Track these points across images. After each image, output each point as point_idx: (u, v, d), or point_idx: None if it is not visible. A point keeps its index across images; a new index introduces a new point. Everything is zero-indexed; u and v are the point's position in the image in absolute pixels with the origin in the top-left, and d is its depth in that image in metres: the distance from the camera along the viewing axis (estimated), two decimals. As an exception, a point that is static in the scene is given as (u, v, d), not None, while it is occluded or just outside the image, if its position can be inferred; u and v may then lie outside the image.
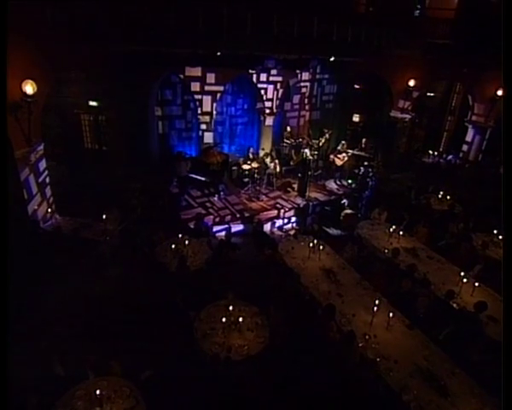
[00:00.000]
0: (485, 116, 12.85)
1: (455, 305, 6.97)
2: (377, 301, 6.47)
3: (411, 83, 12.68)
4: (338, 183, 12.39)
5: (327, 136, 12.94)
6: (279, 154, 12.80)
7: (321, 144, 13.26)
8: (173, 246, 7.80)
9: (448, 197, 10.97)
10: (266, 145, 12.73)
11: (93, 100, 11.72)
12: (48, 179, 8.80)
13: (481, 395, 5.29)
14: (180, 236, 8.02)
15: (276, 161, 12.27)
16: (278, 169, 12.31)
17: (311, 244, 8.08)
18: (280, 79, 12.08)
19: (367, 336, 6.08)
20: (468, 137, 13.57)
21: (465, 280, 7.26)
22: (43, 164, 8.54)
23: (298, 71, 12.77)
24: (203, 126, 11.91)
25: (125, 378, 5.04)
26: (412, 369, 5.63)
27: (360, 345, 5.91)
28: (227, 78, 11.40)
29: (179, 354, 5.80)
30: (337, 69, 12.85)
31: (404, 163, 13.79)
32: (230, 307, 6.19)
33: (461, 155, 13.99)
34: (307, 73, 13.14)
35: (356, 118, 15.71)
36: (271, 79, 11.95)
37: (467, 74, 12.27)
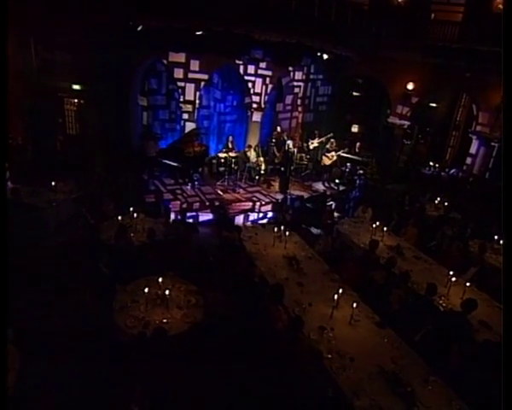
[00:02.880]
0: (490, 126, 11.83)
1: (441, 307, 5.79)
2: (340, 291, 5.36)
3: (410, 86, 11.93)
4: (326, 185, 11.42)
5: (323, 139, 12.17)
6: (265, 152, 12.02)
7: (312, 147, 12.51)
8: (120, 218, 6.91)
9: (446, 204, 9.82)
10: (253, 142, 11.97)
11: (76, 83, 11.39)
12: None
13: (463, 408, 4.03)
14: (131, 209, 7.13)
15: (261, 159, 11.49)
16: (264, 167, 11.51)
17: (275, 229, 7.05)
18: (269, 73, 11.49)
19: (325, 331, 4.93)
20: (473, 150, 12.50)
21: (454, 279, 6.09)
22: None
23: (290, 69, 12.23)
24: (185, 116, 11.27)
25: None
26: (374, 371, 4.41)
27: (312, 337, 4.76)
28: (212, 66, 10.87)
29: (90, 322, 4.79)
30: (331, 69, 12.26)
31: (401, 173, 12.75)
32: (160, 279, 5.18)
33: (464, 168, 12.87)
34: (300, 73, 12.59)
35: (355, 128, 14.98)
36: (260, 72, 11.37)
37: (470, 79, 11.43)
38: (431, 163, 13.44)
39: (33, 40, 10.84)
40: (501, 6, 12.13)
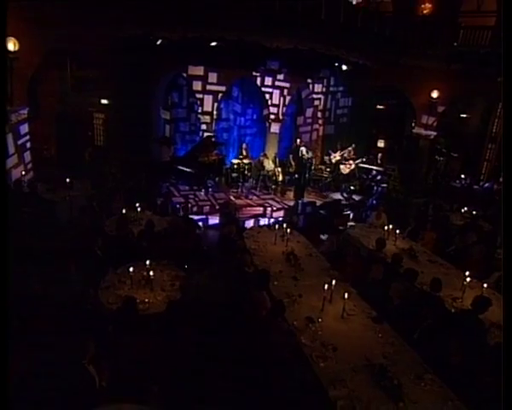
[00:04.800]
0: (528, 134, 10.90)
1: (452, 309, 5.18)
2: (333, 282, 4.98)
3: (434, 94, 11.43)
4: (345, 195, 11.00)
5: (345, 152, 11.88)
6: (283, 163, 11.93)
7: (334, 161, 12.24)
8: (124, 211, 7.07)
9: (474, 213, 9.01)
10: (271, 153, 11.97)
11: (104, 98, 12.21)
12: (29, 145, 8.90)
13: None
14: (137, 205, 7.28)
15: (279, 169, 11.43)
16: (281, 178, 11.42)
17: (276, 226, 6.82)
18: (287, 85, 11.60)
19: (313, 322, 4.56)
20: (509, 160, 11.51)
21: (468, 279, 5.45)
22: (25, 128, 8.78)
23: (309, 81, 12.27)
24: (203, 127, 11.61)
25: None
26: (359, 364, 3.97)
27: (296, 326, 4.41)
28: (229, 78, 11.21)
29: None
30: (351, 80, 12.13)
31: (428, 186, 12.00)
32: (147, 262, 5.16)
33: (501, 180, 11.82)
34: (320, 85, 12.57)
35: (381, 143, 14.55)
36: (277, 83, 11.51)
37: (500, 84, 10.69)
38: (462, 176, 12.55)
39: (69, 60, 11.92)
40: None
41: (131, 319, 3.98)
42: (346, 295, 4.69)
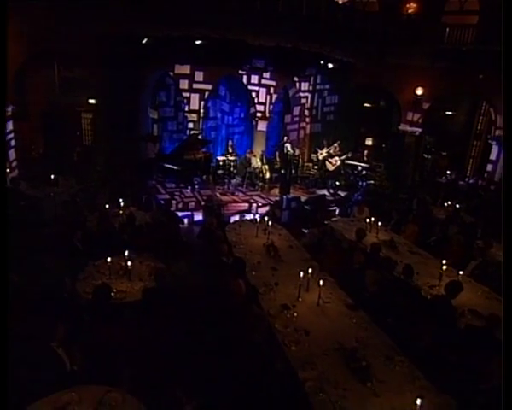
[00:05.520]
0: (510, 129, 11.05)
1: (429, 296, 5.24)
2: (310, 270, 5.03)
3: (419, 91, 11.58)
4: (331, 191, 11.08)
5: (331, 150, 11.97)
6: (270, 161, 12.00)
7: (321, 158, 12.33)
8: (107, 206, 7.08)
9: (457, 206, 9.12)
10: (258, 151, 12.03)
11: (92, 98, 12.22)
12: (13, 143, 8.89)
13: (427, 388, 3.51)
14: (121, 200, 7.30)
15: (266, 166, 11.49)
16: (268, 175, 11.48)
17: (258, 219, 6.87)
18: (273, 83, 11.70)
19: (289, 310, 4.60)
20: (493, 156, 11.68)
21: (444, 267, 5.52)
22: (9, 126, 8.70)
23: (296, 79, 12.37)
24: (190, 125, 11.65)
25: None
26: (331, 347, 4.00)
27: (270, 313, 4.45)
28: (215, 76, 11.28)
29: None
30: (337, 78, 12.25)
31: (414, 183, 12.13)
32: (126, 253, 5.17)
33: (485, 175, 11.99)
34: (307, 83, 12.68)
35: (369, 141, 14.68)
36: (263, 81, 11.61)
37: (484, 81, 10.88)
38: (448, 172, 12.70)
39: (56, 61, 11.93)
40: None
41: (104, 306, 3.98)
42: (321, 282, 4.73)
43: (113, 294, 4.58)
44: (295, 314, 4.51)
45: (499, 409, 3.15)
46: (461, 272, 5.43)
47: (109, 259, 5.00)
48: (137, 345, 3.89)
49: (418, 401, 3.04)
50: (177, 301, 4.33)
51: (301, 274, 4.86)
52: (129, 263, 4.98)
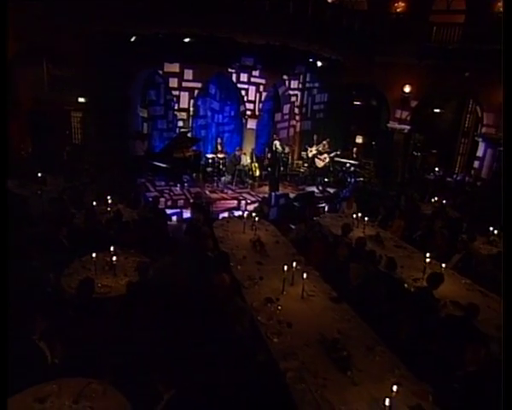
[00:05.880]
0: (495, 127, 11.24)
1: (412, 289, 5.33)
2: (294, 264, 5.08)
3: (407, 89, 11.71)
4: (320, 188, 11.16)
5: (320, 147, 12.06)
6: (260, 159, 12.05)
7: (310, 155, 12.40)
8: (94, 203, 7.07)
9: (444, 202, 9.25)
10: (248, 149, 12.07)
11: (81, 96, 12.15)
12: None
13: (406, 376, 3.57)
14: (108, 197, 7.29)
15: (256, 164, 11.54)
16: (258, 173, 11.53)
17: (245, 215, 6.91)
18: (263, 81, 11.74)
19: (273, 303, 4.64)
20: (480, 153, 11.84)
21: (428, 260, 5.61)
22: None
23: (285, 77, 12.43)
24: (180, 124, 11.65)
25: None
26: (313, 339, 4.05)
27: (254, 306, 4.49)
28: (205, 74, 11.29)
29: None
30: (327, 77, 12.33)
31: (403, 180, 12.26)
32: (112, 248, 5.18)
33: (472, 172, 12.16)
34: (296, 82, 12.74)
35: (359, 139, 14.81)
36: (253, 80, 11.64)
37: (471, 79, 11.04)
38: (436, 169, 12.85)
39: (45, 59, 11.85)
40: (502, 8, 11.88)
41: (88, 299, 3.99)
42: (304, 275, 4.78)
43: (97, 289, 4.62)
44: (279, 307, 4.56)
45: (473, 394, 3.25)
46: (443, 265, 5.52)
47: (94, 254, 5.01)
48: (120, 338, 3.92)
49: (394, 388, 3.10)
50: (161, 294, 4.35)
51: (285, 268, 4.91)
52: (114, 258, 5.00)
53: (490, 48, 10.73)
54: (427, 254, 5.71)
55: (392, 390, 3.09)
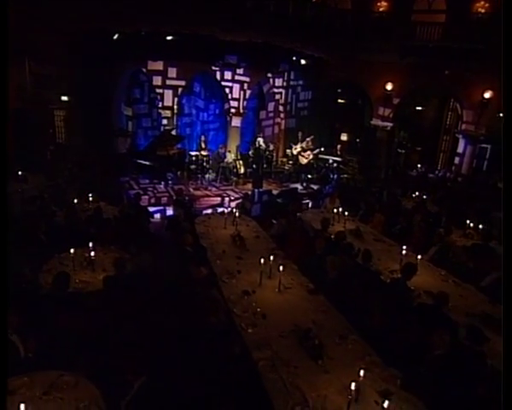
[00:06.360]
0: (474, 124, 11.51)
1: (388, 280, 5.44)
2: (272, 257, 5.14)
3: (389, 87, 11.91)
4: (304, 185, 11.26)
5: (304, 144, 12.15)
6: (245, 156, 12.09)
7: (295, 152, 12.49)
8: (76, 201, 7.03)
9: (424, 197, 9.44)
10: (233, 147, 12.11)
11: (64, 95, 12.03)
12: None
13: (376, 363, 3.66)
14: (89, 194, 7.26)
15: (241, 162, 11.57)
16: (242, 170, 11.57)
17: (225, 210, 6.96)
18: (247, 79, 11.77)
19: (249, 295, 4.70)
20: (460, 149, 12.11)
21: (404, 252, 5.74)
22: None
23: (270, 75, 12.49)
24: (164, 122, 11.63)
25: None
26: (287, 329, 4.12)
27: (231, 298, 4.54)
28: (188, 72, 11.29)
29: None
30: (311, 74, 12.44)
31: (386, 175, 12.45)
32: (90, 244, 5.18)
33: (453, 168, 12.42)
34: (281, 79, 12.81)
35: (344, 137, 14.98)
36: (237, 78, 11.67)
37: (450, 77, 11.28)
38: (419, 165, 13.08)
39: (27, 57, 11.69)
40: (481, 9, 12.14)
41: (63, 294, 3.99)
42: (280, 268, 4.85)
43: (75, 284, 4.62)
44: (254, 300, 4.62)
45: (439, 377, 3.35)
46: (419, 257, 5.65)
47: (72, 250, 4.99)
48: (95, 332, 3.93)
49: (361, 373, 3.18)
50: (138, 288, 4.37)
51: (262, 261, 4.96)
52: (92, 254, 4.99)
53: (469, 47, 11.02)
54: (404, 247, 5.85)
55: (359, 375, 3.17)
